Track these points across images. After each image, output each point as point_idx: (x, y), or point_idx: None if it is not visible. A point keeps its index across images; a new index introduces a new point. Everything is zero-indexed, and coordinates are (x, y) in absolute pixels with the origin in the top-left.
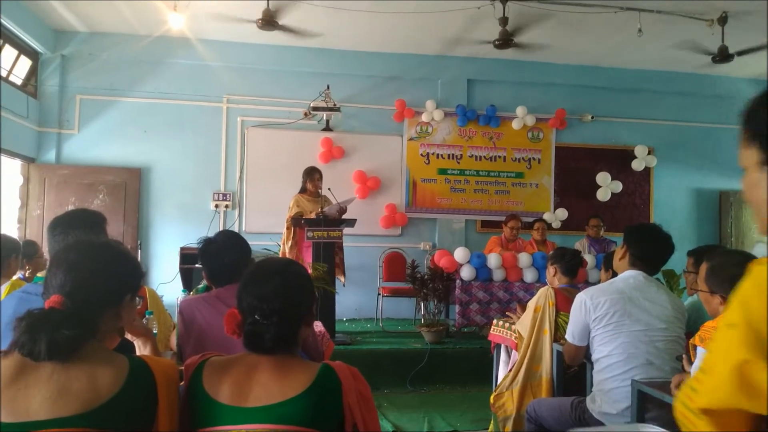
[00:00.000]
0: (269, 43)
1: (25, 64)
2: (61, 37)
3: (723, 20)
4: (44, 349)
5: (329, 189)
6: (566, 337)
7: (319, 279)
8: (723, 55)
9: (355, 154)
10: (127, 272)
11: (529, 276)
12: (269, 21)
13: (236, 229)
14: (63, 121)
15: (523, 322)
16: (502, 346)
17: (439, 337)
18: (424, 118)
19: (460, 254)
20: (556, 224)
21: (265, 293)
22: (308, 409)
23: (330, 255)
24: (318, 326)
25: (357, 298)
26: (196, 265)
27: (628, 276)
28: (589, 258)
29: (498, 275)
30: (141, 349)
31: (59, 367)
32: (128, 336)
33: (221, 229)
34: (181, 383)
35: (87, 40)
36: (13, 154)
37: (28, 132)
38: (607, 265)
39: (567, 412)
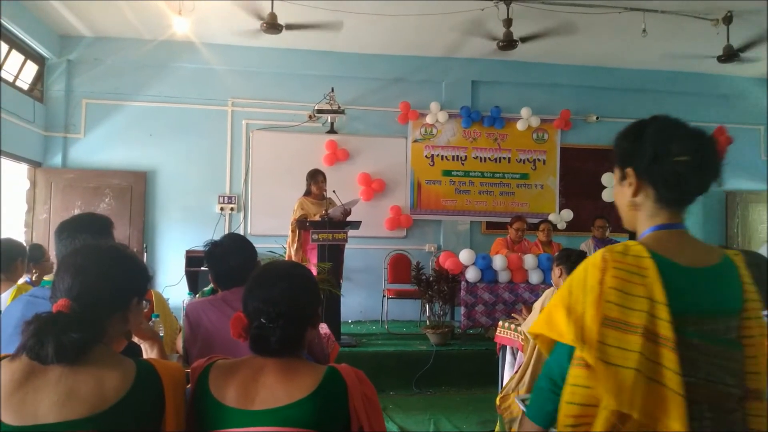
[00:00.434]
0: (274, 47)
1: (31, 69)
2: (66, 42)
3: (728, 20)
4: (52, 353)
5: (334, 191)
6: None
7: (324, 281)
8: (728, 55)
9: (359, 157)
10: (133, 276)
11: (535, 277)
12: (273, 24)
13: (241, 232)
14: (69, 126)
15: (529, 324)
16: (508, 347)
17: (444, 339)
18: (429, 119)
19: (465, 256)
20: (561, 225)
21: (270, 297)
22: (314, 411)
23: (335, 257)
24: (323, 328)
25: (362, 300)
26: (202, 268)
27: None
28: None
29: (503, 277)
30: (148, 352)
31: (67, 370)
32: (135, 339)
33: (226, 232)
34: (188, 386)
35: (92, 44)
36: (19, 158)
37: (34, 136)
38: None
39: None
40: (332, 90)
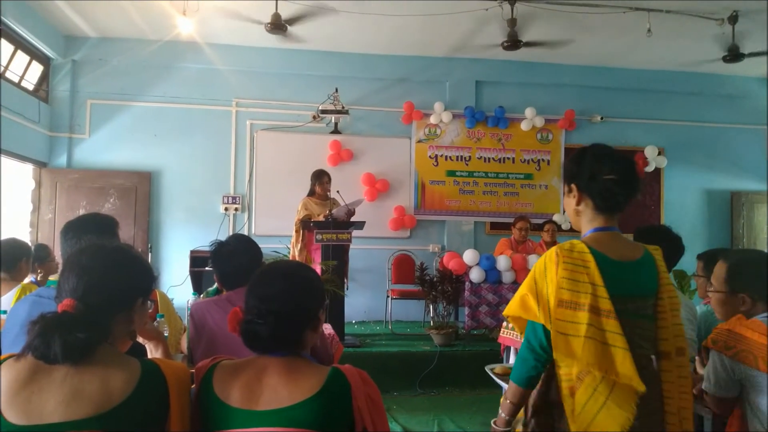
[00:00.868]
0: (278, 47)
1: (36, 69)
2: (71, 42)
3: (733, 19)
4: (57, 352)
5: (338, 191)
6: None
7: (328, 281)
8: (734, 55)
9: (363, 157)
10: (138, 276)
11: None
12: (278, 25)
13: (246, 232)
14: (74, 126)
15: None
16: (512, 348)
17: (448, 339)
18: (433, 120)
19: (469, 256)
20: (565, 226)
21: (266, 294)
22: (318, 412)
23: (339, 257)
24: (327, 329)
25: (366, 300)
26: (207, 268)
27: None
28: None
29: (507, 277)
30: (152, 352)
31: (72, 370)
32: (140, 339)
33: (231, 232)
34: (192, 387)
35: (97, 45)
36: (24, 159)
37: (39, 137)
38: None
39: None
40: (336, 90)
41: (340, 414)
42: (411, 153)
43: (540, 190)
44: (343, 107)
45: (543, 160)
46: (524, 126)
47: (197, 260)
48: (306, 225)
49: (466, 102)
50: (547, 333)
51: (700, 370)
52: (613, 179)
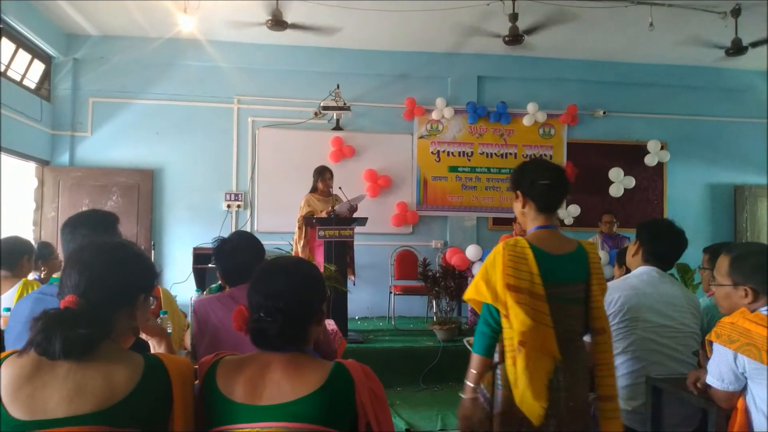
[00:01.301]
0: (279, 44)
1: (38, 68)
2: (73, 40)
3: (736, 12)
4: (59, 348)
5: (340, 188)
6: None
7: (331, 278)
8: (737, 48)
9: (365, 153)
10: (140, 272)
11: None
12: (279, 21)
13: (248, 229)
14: (76, 124)
15: None
16: None
17: (451, 334)
18: (434, 115)
19: (471, 252)
20: (568, 221)
21: (271, 291)
22: (321, 407)
23: (342, 253)
24: (330, 324)
25: (369, 296)
26: (209, 265)
27: (642, 272)
28: (602, 254)
29: None
30: (155, 348)
31: (75, 366)
32: (143, 336)
33: (233, 229)
34: (195, 382)
35: (99, 43)
36: (27, 157)
37: (42, 135)
38: (620, 262)
39: None
40: (338, 87)
41: (343, 409)
42: (413, 149)
43: None
44: (344, 104)
45: (545, 155)
46: (526, 121)
47: (200, 257)
48: (309, 221)
49: (468, 97)
50: (496, 311)
51: (703, 364)
52: (548, 184)
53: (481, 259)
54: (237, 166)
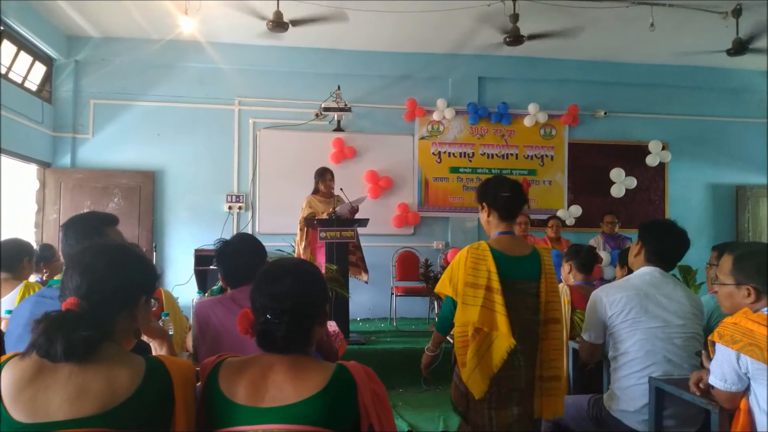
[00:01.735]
0: (280, 45)
1: (39, 70)
2: (74, 42)
3: (737, 12)
4: (61, 350)
5: (341, 189)
6: (582, 335)
7: (332, 280)
8: (738, 48)
9: (366, 154)
10: (141, 274)
11: None
12: (279, 23)
13: (249, 231)
14: (77, 126)
15: None
16: None
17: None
18: (435, 116)
19: None
20: (570, 221)
21: (276, 293)
22: (324, 409)
23: (343, 255)
24: (332, 326)
25: (370, 297)
26: (211, 267)
27: (644, 272)
28: (604, 255)
29: None
30: (157, 350)
31: (77, 368)
32: (144, 338)
33: (235, 230)
34: (197, 384)
35: (100, 45)
36: (28, 159)
37: (43, 137)
38: (622, 262)
39: (584, 409)
40: (339, 88)
41: (345, 411)
42: (414, 150)
43: (544, 186)
44: (345, 105)
45: (546, 155)
46: (527, 122)
47: (201, 259)
48: (310, 223)
49: (469, 98)
50: (454, 303)
51: (706, 364)
52: (508, 196)
53: None
54: (238, 167)
